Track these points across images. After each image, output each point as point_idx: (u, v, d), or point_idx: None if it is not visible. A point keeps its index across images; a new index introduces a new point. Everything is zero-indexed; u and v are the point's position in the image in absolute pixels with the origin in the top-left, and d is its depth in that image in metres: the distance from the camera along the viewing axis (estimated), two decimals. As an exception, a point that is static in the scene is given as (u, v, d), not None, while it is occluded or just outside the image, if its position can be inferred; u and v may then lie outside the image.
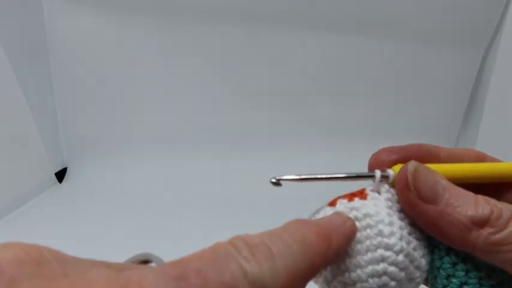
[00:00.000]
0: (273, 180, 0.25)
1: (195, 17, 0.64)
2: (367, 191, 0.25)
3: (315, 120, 0.72)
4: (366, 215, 0.24)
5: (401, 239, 0.23)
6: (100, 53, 0.67)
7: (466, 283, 0.24)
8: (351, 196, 0.25)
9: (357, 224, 0.24)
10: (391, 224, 0.24)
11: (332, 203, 0.25)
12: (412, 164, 0.24)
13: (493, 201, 0.23)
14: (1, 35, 0.57)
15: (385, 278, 0.23)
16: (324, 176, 0.25)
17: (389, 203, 0.25)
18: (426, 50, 0.67)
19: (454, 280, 0.24)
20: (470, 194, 0.23)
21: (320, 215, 0.24)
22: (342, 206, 0.24)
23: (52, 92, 0.69)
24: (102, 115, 0.71)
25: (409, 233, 0.24)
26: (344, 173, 0.25)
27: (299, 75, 0.69)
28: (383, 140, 0.74)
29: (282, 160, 0.70)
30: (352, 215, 0.24)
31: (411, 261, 0.23)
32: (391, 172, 0.25)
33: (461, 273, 0.24)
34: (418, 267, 0.24)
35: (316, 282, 0.24)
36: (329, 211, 0.24)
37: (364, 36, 0.66)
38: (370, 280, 0.23)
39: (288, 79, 0.69)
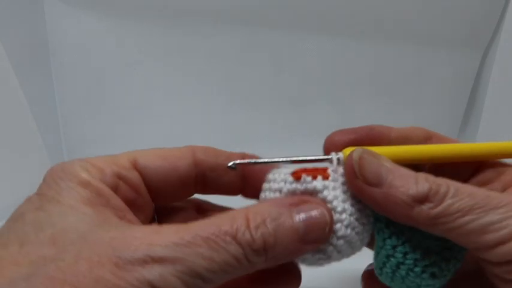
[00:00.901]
0: (229, 164, 0.29)
1: (196, 20, 0.65)
2: (329, 171, 0.27)
3: (315, 121, 0.72)
4: (324, 198, 0.26)
5: (350, 214, 0.26)
6: (101, 55, 0.67)
7: (402, 263, 0.27)
8: (314, 173, 0.27)
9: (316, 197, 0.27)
10: (343, 203, 0.26)
11: (296, 175, 0.27)
12: (356, 152, 0.26)
13: (432, 177, 0.26)
14: (2, 36, 0.58)
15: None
16: (282, 160, 0.28)
17: (345, 188, 0.27)
18: (425, 51, 0.68)
19: (392, 259, 0.27)
20: (412, 174, 0.26)
21: (279, 177, 0.28)
22: (305, 183, 0.27)
23: (53, 93, 0.69)
24: (103, 116, 0.71)
25: (351, 215, 0.26)
26: (301, 156, 0.29)
27: (299, 77, 0.70)
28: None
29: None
30: (311, 190, 0.26)
31: (348, 242, 0.26)
32: (340, 155, 0.28)
33: (400, 255, 0.27)
34: (354, 248, 0.27)
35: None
36: (291, 180, 0.27)
37: (363, 38, 0.67)
38: None
39: (287, 80, 0.70)
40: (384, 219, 0.27)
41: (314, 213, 0.24)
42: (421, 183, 0.25)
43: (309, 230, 0.24)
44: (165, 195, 0.30)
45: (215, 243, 0.21)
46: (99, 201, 0.24)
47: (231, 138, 0.71)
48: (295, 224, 0.24)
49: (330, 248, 0.26)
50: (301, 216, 0.24)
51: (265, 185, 0.28)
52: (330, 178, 0.27)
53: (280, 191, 0.27)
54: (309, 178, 0.27)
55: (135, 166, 0.28)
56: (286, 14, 0.64)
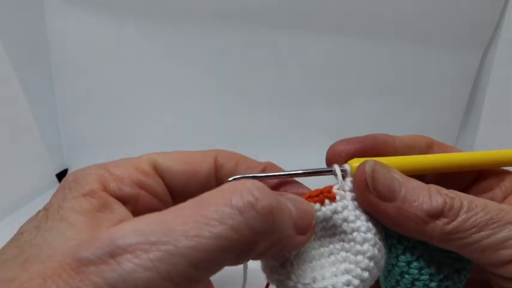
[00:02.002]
0: (229, 179, 0.26)
1: (196, 19, 0.65)
2: (335, 190, 0.25)
3: (315, 120, 0.72)
4: (345, 218, 0.25)
5: (374, 245, 0.24)
6: (101, 54, 0.67)
7: (418, 279, 0.26)
8: (321, 197, 0.25)
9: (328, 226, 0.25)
10: (367, 222, 0.25)
11: None
12: (369, 165, 0.25)
13: (444, 190, 0.25)
14: (2, 35, 0.58)
15: (354, 281, 0.24)
16: (282, 173, 0.26)
17: (356, 203, 0.25)
18: (425, 51, 0.68)
19: (407, 276, 0.26)
20: (424, 186, 0.25)
21: None
22: (315, 211, 0.25)
23: (53, 93, 0.69)
24: (103, 116, 0.71)
25: (375, 234, 0.25)
26: (302, 170, 0.27)
27: (299, 76, 0.70)
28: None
29: (282, 160, 0.70)
30: (328, 215, 0.25)
31: (376, 263, 0.25)
32: (348, 168, 0.26)
33: (415, 271, 0.26)
34: (379, 268, 0.25)
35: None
36: None
37: (363, 37, 0.67)
38: (339, 281, 0.24)
39: (288, 80, 0.70)
40: (395, 235, 0.26)
41: (300, 200, 0.24)
42: (434, 197, 0.24)
43: (300, 216, 0.23)
44: (184, 199, 0.29)
45: (203, 216, 0.18)
46: (100, 212, 0.23)
47: (231, 137, 0.71)
48: (289, 208, 0.22)
49: (365, 274, 0.24)
50: (291, 203, 0.23)
51: None
52: (337, 197, 0.25)
53: None
54: (318, 205, 0.25)
55: (156, 170, 0.27)
56: (287, 14, 0.64)
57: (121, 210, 0.24)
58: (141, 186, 0.26)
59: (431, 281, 0.25)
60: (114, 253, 0.18)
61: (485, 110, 0.68)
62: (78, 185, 0.24)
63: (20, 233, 0.22)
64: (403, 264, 0.26)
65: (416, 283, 0.26)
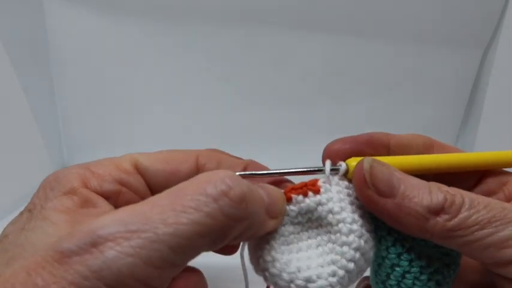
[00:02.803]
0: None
1: (196, 18, 0.65)
2: (320, 184, 0.26)
3: (315, 120, 0.72)
4: (330, 209, 0.25)
5: (360, 236, 0.24)
6: (101, 54, 0.67)
7: (408, 272, 0.25)
8: (304, 189, 0.25)
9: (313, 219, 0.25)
10: (353, 213, 0.25)
11: (286, 197, 0.26)
12: (367, 161, 0.25)
13: (444, 187, 0.24)
14: (2, 35, 0.57)
15: (340, 272, 0.24)
16: (275, 172, 0.27)
17: (341, 196, 0.25)
18: (425, 50, 0.68)
19: (397, 269, 0.26)
20: (423, 183, 0.24)
21: None
22: (298, 203, 0.25)
23: (53, 93, 0.69)
24: (103, 116, 0.71)
25: (361, 226, 0.25)
26: (295, 168, 0.27)
27: (299, 76, 0.70)
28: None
29: (282, 160, 0.70)
30: (312, 206, 0.25)
31: (363, 254, 0.24)
32: (342, 165, 0.26)
33: (405, 263, 0.25)
34: (367, 260, 0.25)
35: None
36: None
37: (363, 37, 0.67)
38: (325, 271, 0.24)
39: (288, 79, 0.70)
40: (385, 227, 0.26)
41: (270, 187, 0.25)
42: (435, 193, 0.24)
43: (271, 202, 0.24)
44: None
45: (180, 205, 0.19)
46: (84, 208, 0.23)
47: (232, 137, 0.71)
48: (261, 195, 0.23)
49: (350, 265, 0.24)
50: (263, 190, 0.24)
51: None
52: (322, 190, 0.25)
53: None
54: (300, 197, 0.25)
55: (137, 169, 0.27)
56: (286, 14, 0.64)
57: (105, 205, 0.25)
58: (122, 183, 0.26)
59: (421, 273, 0.25)
60: (96, 242, 0.18)
61: (485, 110, 0.68)
62: (59, 184, 0.24)
63: (5, 235, 0.23)
64: (394, 256, 0.26)
65: (407, 275, 0.25)
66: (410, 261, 0.25)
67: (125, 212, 0.20)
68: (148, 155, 0.29)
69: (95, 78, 0.69)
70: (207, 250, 0.21)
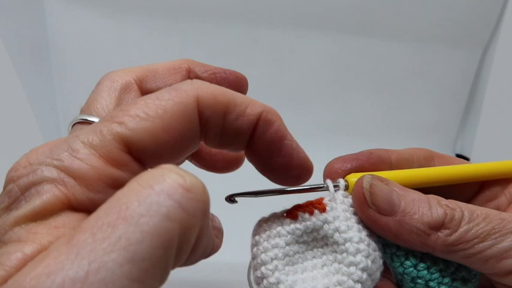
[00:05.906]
0: (228, 198, 0.27)
1: (196, 17, 0.65)
2: (326, 202, 0.25)
3: (315, 119, 0.72)
4: (336, 228, 0.24)
5: (367, 256, 0.24)
6: (101, 53, 0.67)
7: (430, 279, 0.25)
8: (310, 207, 0.25)
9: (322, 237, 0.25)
10: (359, 233, 0.24)
11: (292, 215, 0.26)
12: (366, 181, 0.25)
13: (444, 201, 0.25)
14: (3, 34, 0.58)
15: None
16: (277, 189, 0.26)
17: (347, 214, 0.25)
18: (425, 50, 0.68)
19: (419, 281, 0.25)
20: (423, 198, 0.25)
21: (275, 224, 0.26)
22: (304, 221, 0.25)
23: (53, 93, 0.69)
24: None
25: (368, 245, 0.24)
26: (296, 186, 0.26)
27: (299, 75, 0.70)
28: (381, 140, 0.75)
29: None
30: (318, 225, 0.25)
31: (370, 275, 0.24)
32: (342, 182, 0.26)
33: (424, 272, 0.25)
34: (374, 281, 0.25)
35: None
36: (288, 222, 0.25)
37: (363, 37, 0.67)
38: None
39: (288, 79, 0.70)
40: (393, 243, 0.26)
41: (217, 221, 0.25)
42: (434, 208, 0.24)
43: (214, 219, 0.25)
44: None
45: (128, 217, 0.15)
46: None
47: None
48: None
49: (357, 286, 0.23)
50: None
51: (258, 238, 0.25)
52: (328, 208, 0.25)
53: (279, 235, 0.25)
54: (307, 215, 0.25)
55: (130, 152, 0.20)
56: (288, 13, 0.65)
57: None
58: (114, 186, 0.19)
59: (443, 277, 0.25)
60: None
61: (485, 110, 0.69)
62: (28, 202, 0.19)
63: None
64: (411, 269, 0.25)
65: (431, 284, 0.25)
66: (428, 268, 0.25)
67: (61, 254, 0.15)
68: (133, 120, 0.19)
69: (96, 78, 0.68)
70: (173, 267, 0.17)
